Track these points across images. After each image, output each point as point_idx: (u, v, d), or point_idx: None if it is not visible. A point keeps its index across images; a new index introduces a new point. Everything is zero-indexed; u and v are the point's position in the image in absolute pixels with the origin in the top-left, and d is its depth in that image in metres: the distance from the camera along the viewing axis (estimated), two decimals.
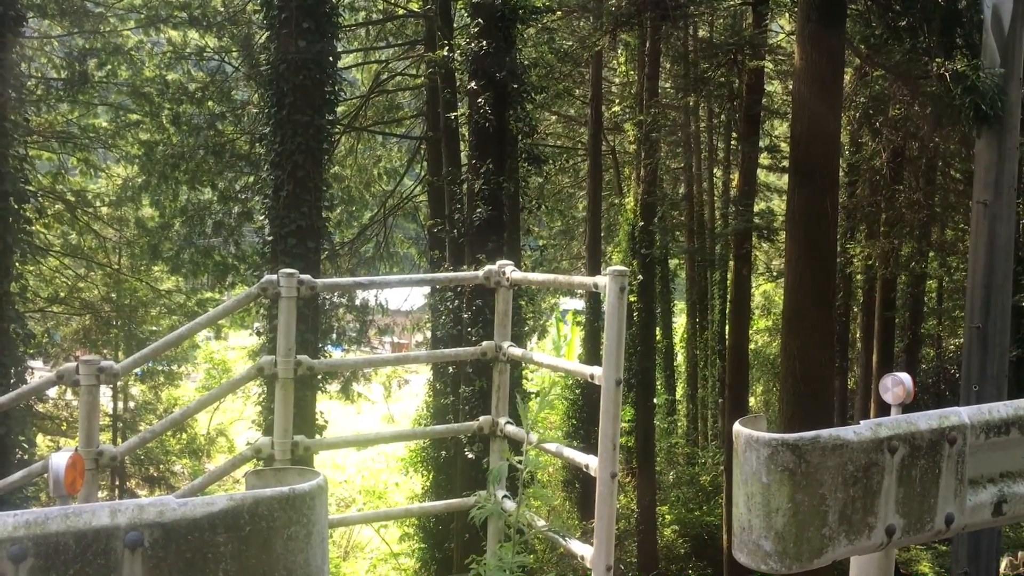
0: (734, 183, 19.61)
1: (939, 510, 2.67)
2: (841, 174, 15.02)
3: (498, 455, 3.98)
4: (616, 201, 26.77)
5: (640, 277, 19.40)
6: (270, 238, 12.30)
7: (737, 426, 2.52)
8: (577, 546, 3.39)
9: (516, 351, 3.94)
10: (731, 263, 18.62)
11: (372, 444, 24.77)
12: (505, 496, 3.84)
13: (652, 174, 19.18)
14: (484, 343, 4.05)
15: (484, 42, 12.31)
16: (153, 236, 20.77)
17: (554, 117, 26.39)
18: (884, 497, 2.57)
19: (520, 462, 3.24)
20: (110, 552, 1.74)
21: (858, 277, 22.65)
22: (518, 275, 3.90)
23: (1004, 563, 16.08)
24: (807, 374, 10.16)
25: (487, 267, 3.98)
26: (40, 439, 21.00)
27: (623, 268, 3.14)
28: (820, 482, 2.46)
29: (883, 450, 2.56)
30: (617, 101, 24.50)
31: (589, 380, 3.36)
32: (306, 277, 3.64)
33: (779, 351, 12.89)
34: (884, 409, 2.84)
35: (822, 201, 10.06)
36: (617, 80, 25.38)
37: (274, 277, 3.62)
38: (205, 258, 20.27)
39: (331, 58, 12.40)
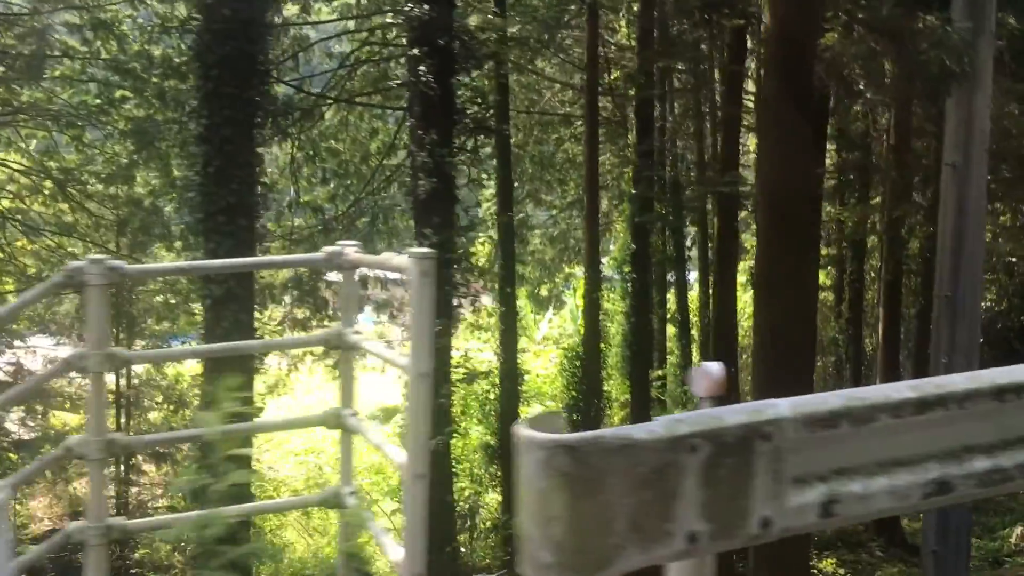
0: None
1: (753, 512, 2.38)
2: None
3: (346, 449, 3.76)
4: (621, 170, 26.24)
5: (634, 247, 19.10)
6: (199, 215, 11.95)
7: (517, 426, 2.26)
8: (392, 549, 3.13)
9: (353, 338, 3.68)
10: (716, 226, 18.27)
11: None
12: (351, 493, 3.63)
13: (644, 136, 18.79)
14: (326, 330, 3.81)
15: (426, 6, 11.85)
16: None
17: (558, 85, 25.78)
18: (684, 501, 2.28)
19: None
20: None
21: (868, 241, 22.06)
22: (355, 257, 3.65)
23: (1018, 532, 15.84)
24: (780, 349, 9.62)
25: (328, 249, 3.72)
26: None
27: (427, 251, 2.87)
28: (603, 487, 2.19)
29: (682, 449, 2.29)
30: (613, 65, 23.95)
31: (403, 372, 3.11)
32: (117, 263, 3.39)
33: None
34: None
35: (795, 162, 9.41)
36: (614, 44, 24.80)
37: (80, 264, 3.38)
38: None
39: (262, 28, 11.89)
